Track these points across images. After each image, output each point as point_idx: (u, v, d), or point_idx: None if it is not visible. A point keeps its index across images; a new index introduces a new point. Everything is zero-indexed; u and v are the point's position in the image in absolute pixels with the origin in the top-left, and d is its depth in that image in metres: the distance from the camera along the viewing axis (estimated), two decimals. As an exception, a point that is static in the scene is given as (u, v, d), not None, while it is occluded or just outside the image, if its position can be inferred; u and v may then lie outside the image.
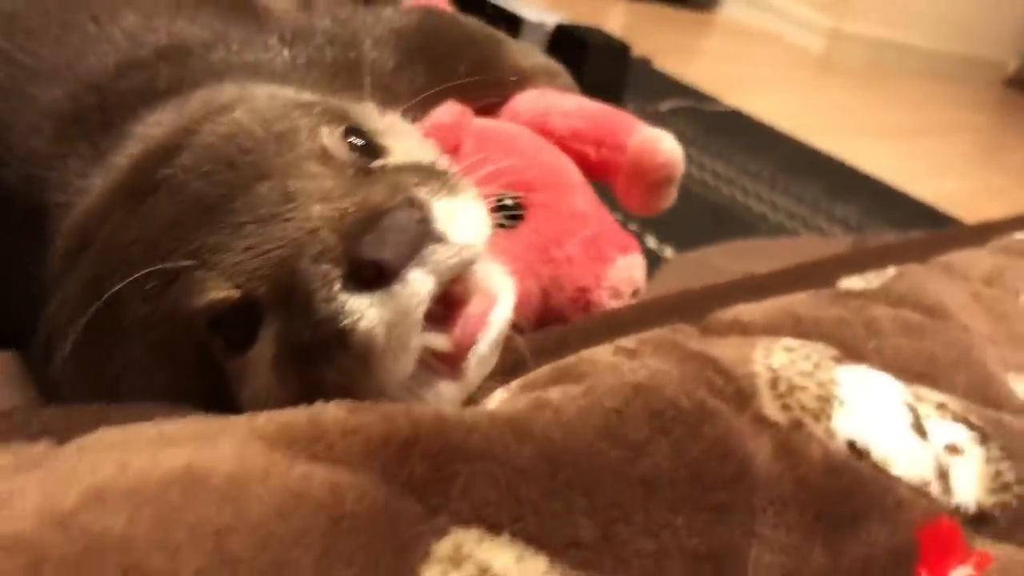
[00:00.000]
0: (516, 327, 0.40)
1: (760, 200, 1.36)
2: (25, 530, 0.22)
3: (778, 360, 0.47)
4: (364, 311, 0.34)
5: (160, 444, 0.28)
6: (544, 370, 0.42)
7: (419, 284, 0.34)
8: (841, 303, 0.60)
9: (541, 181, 0.57)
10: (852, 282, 0.66)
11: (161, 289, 0.35)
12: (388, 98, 0.55)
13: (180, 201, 0.36)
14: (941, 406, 0.51)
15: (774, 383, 0.44)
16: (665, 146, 0.61)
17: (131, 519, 0.24)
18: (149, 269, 0.35)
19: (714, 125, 1.66)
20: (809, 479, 0.39)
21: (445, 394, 0.37)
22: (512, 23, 1.46)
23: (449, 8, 0.84)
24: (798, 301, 0.58)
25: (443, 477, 0.30)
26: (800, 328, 0.54)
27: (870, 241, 1.12)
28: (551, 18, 1.45)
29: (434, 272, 0.35)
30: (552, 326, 0.52)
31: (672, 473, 0.35)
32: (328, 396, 0.33)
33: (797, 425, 0.42)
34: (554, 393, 0.36)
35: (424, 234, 0.35)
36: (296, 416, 0.30)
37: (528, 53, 0.71)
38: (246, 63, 0.52)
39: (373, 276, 0.33)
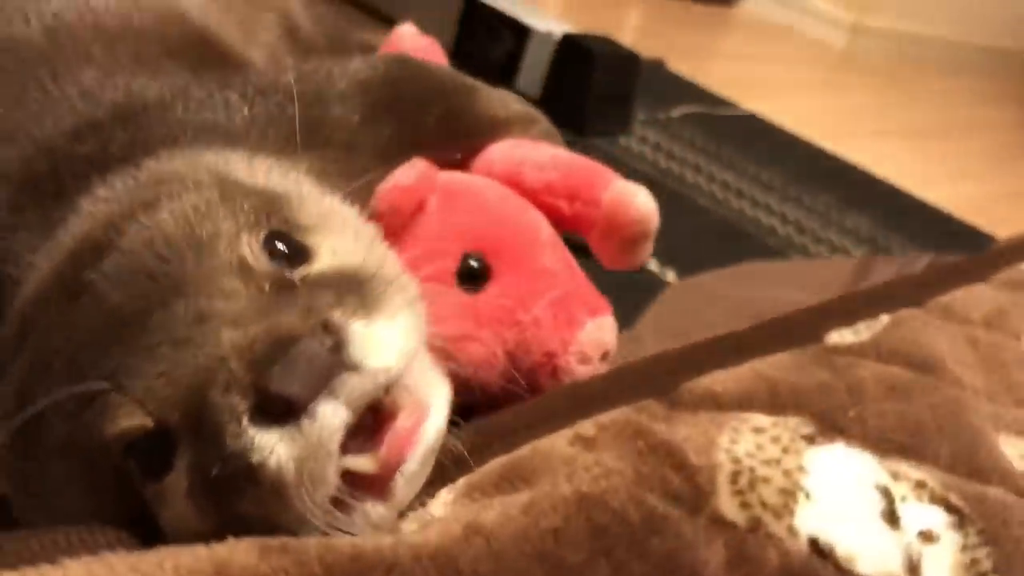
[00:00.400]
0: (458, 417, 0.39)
1: (770, 212, 1.34)
2: None
3: (744, 446, 0.45)
4: (273, 446, 0.33)
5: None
6: (494, 466, 0.41)
7: (330, 417, 0.33)
8: (826, 363, 0.59)
9: (508, 238, 0.56)
10: (841, 336, 0.64)
11: (79, 410, 0.34)
12: (352, 155, 0.54)
13: (100, 312, 0.35)
14: (920, 485, 0.49)
15: (735, 476, 0.43)
16: (639, 201, 0.60)
17: None
18: (68, 390, 0.34)
19: (727, 131, 1.63)
20: (764, 591, 0.38)
21: (373, 516, 0.35)
22: (519, 33, 1.45)
23: (440, 54, 0.83)
24: (777, 365, 0.56)
25: (358, 625, 0.29)
26: (775, 400, 0.52)
27: (877, 263, 1.10)
28: (559, 28, 1.43)
29: (347, 402, 0.34)
30: (518, 402, 0.51)
31: (611, 598, 0.34)
32: (246, 526, 0.32)
33: (755, 525, 0.41)
34: (491, 513, 0.35)
35: (336, 363, 0.34)
36: (200, 564, 0.29)
37: (504, 101, 0.70)
38: (203, 123, 0.51)
39: (282, 410, 0.32)
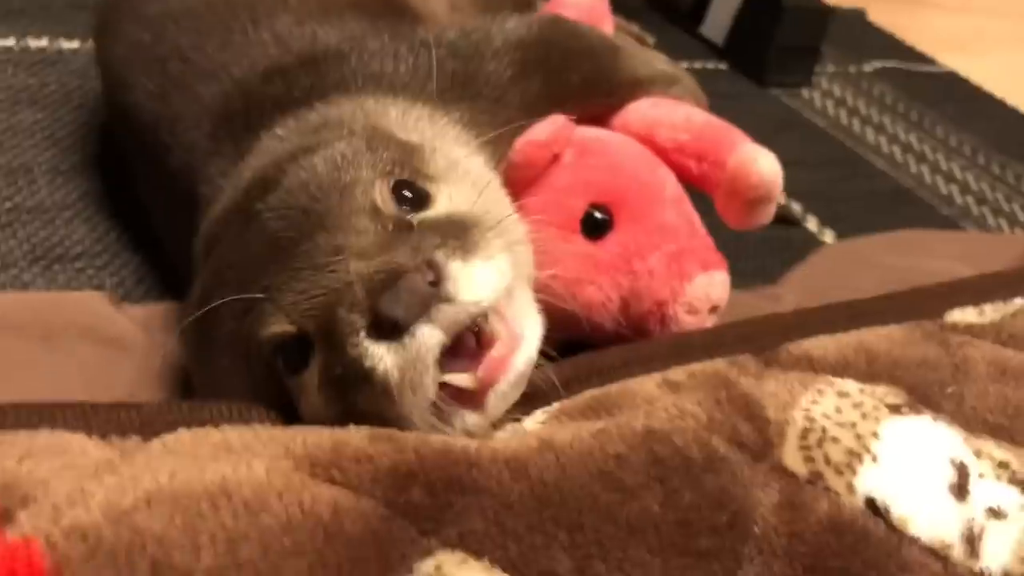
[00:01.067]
0: (548, 355, 0.46)
1: (950, 179, 1.29)
2: (89, 523, 0.31)
3: (824, 407, 0.49)
4: (382, 356, 0.41)
5: (216, 453, 0.36)
6: (585, 396, 0.47)
7: (427, 337, 0.41)
8: (939, 339, 0.60)
9: (633, 194, 0.60)
10: (964, 314, 0.64)
11: (243, 313, 0.43)
12: (500, 107, 0.60)
13: (264, 237, 0.44)
14: (1003, 465, 0.51)
15: (805, 433, 0.47)
16: (761, 166, 0.62)
17: (168, 521, 0.31)
18: (234, 297, 0.43)
19: (921, 90, 1.56)
20: (806, 534, 0.42)
21: (469, 422, 0.43)
22: (706, -20, 1.44)
23: (606, 12, 0.86)
24: (885, 336, 0.58)
25: (438, 505, 0.36)
26: (872, 368, 0.55)
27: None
28: (747, -24, 1.42)
29: (442, 327, 0.41)
30: (625, 343, 0.56)
31: (659, 518, 0.39)
32: (363, 418, 0.40)
33: (815, 478, 0.45)
34: (566, 432, 0.41)
35: (434, 295, 0.41)
36: (323, 440, 0.37)
37: (647, 61, 0.73)
38: (373, 71, 0.58)
39: (389, 329, 0.40)
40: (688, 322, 0.58)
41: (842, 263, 0.98)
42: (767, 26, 1.37)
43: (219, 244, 0.48)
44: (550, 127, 0.59)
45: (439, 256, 0.42)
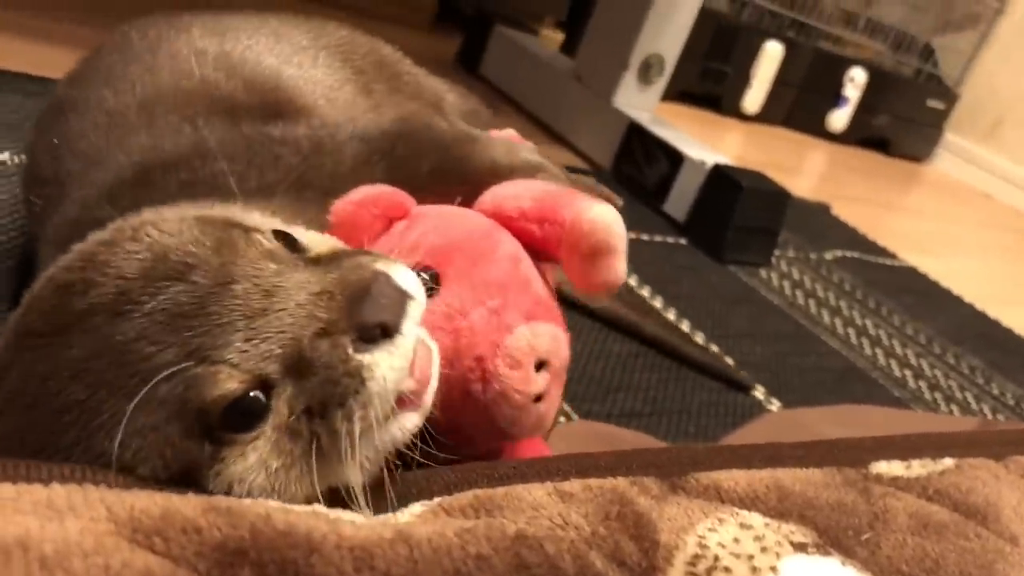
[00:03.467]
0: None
1: (905, 364, 1.29)
2: None
3: (721, 536, 0.46)
4: (380, 361, 0.42)
5: (34, 509, 0.33)
6: (468, 494, 0.44)
7: (414, 331, 0.44)
8: (859, 488, 0.58)
9: (461, 253, 0.57)
10: (889, 467, 0.62)
11: (155, 392, 0.39)
12: (329, 199, 0.59)
13: (135, 319, 0.40)
14: (914, 618, 0.47)
15: (695, 560, 0.43)
16: (594, 213, 0.58)
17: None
18: (157, 374, 0.39)
19: (880, 280, 1.60)
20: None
21: (410, 425, 0.45)
22: (674, 159, 1.50)
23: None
24: (801, 478, 0.56)
25: (266, 588, 0.33)
26: (782, 505, 0.52)
27: (999, 426, 1.04)
28: (712, 158, 1.48)
29: (416, 322, 0.44)
30: (488, 406, 0.53)
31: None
32: (330, 444, 0.41)
33: (701, 606, 0.41)
34: (427, 528, 0.38)
35: (403, 295, 0.43)
36: (153, 506, 0.34)
37: (511, 151, 0.72)
38: (199, 179, 0.58)
39: (378, 334, 0.42)
40: (512, 378, 0.53)
41: (779, 428, 0.96)
42: (726, 207, 1.41)
43: (11, 371, 0.41)
44: (370, 189, 0.58)
45: (381, 265, 0.44)
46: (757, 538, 0.47)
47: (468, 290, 0.54)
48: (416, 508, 0.43)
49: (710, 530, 0.46)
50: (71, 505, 0.34)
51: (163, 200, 0.50)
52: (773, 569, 0.45)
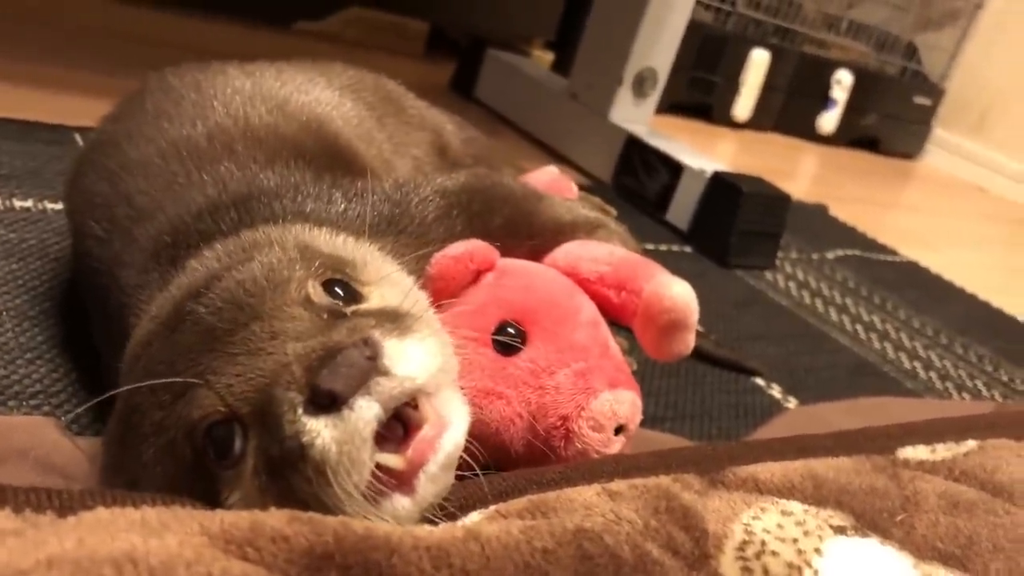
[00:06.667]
0: (473, 453, 0.46)
1: (914, 356, 1.31)
2: (-16, 582, 0.30)
3: (765, 523, 0.48)
4: (320, 431, 0.41)
5: (132, 527, 0.35)
6: (522, 500, 0.46)
7: (365, 409, 0.41)
8: (889, 473, 0.60)
9: (546, 314, 0.61)
10: (915, 451, 0.65)
11: (171, 401, 0.43)
12: (423, 242, 0.63)
13: (196, 330, 0.45)
14: (954, 590, 0.50)
15: (743, 545, 0.46)
16: (672, 291, 0.64)
17: (67, 585, 0.30)
18: (164, 381, 0.43)
19: (883, 276, 1.62)
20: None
21: (399, 509, 0.43)
22: (674, 169, 1.53)
23: (570, 186, 0.92)
24: (833, 466, 0.58)
25: (353, 589, 0.35)
26: (818, 493, 0.54)
27: (1013, 408, 1.06)
28: (711, 166, 1.51)
29: (379, 400, 0.42)
30: (567, 461, 0.56)
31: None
32: (298, 503, 0.40)
33: (753, 588, 0.44)
34: (494, 527, 0.40)
35: (371, 369, 0.42)
36: (241, 520, 0.36)
37: (571, 209, 0.78)
38: (302, 210, 0.61)
39: (327, 402, 0.41)
40: (593, 439, 0.58)
41: (801, 424, 0.99)
42: (728, 212, 1.44)
43: (147, 351, 0.48)
44: (467, 244, 0.62)
45: (375, 334, 0.43)
46: (799, 523, 0.49)
47: (554, 351, 0.59)
48: (475, 516, 0.45)
49: (754, 518, 0.49)
50: (164, 523, 0.36)
51: (260, 222, 0.55)
52: (817, 551, 0.47)
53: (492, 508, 0.45)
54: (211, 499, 0.43)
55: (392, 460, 0.42)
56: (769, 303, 1.36)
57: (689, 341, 0.65)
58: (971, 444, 0.67)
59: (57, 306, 0.81)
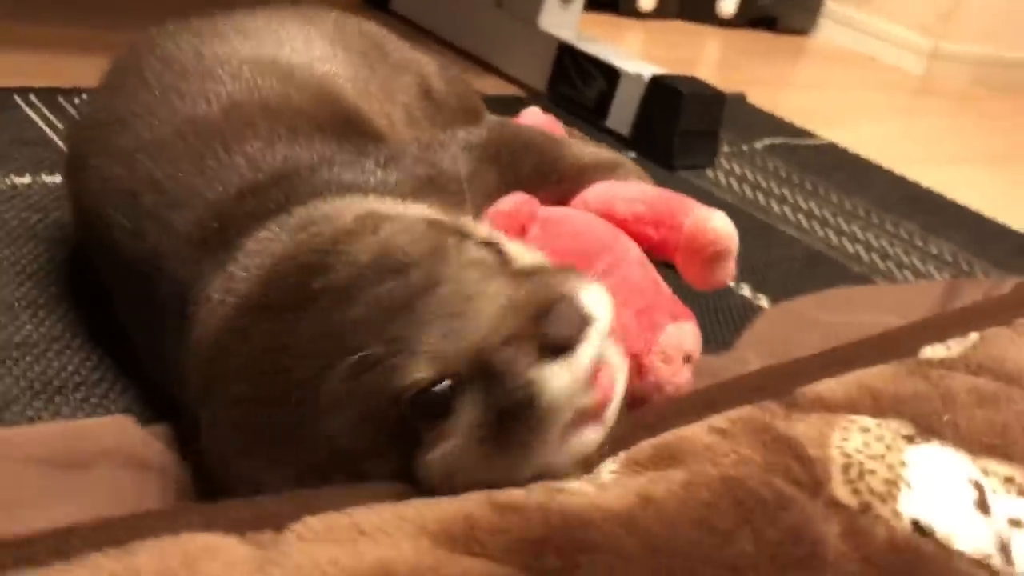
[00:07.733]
0: None
1: (854, 240, 1.40)
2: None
3: (853, 443, 0.53)
4: (556, 375, 0.44)
5: (351, 536, 0.37)
6: (645, 448, 0.50)
7: (589, 351, 0.45)
8: (921, 374, 0.66)
9: (599, 256, 0.64)
10: (934, 351, 0.71)
11: (358, 372, 0.44)
12: (463, 198, 0.65)
13: (358, 305, 0.45)
14: (1008, 480, 0.56)
15: (846, 468, 0.51)
16: (714, 224, 0.67)
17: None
18: (355, 356, 0.44)
19: (808, 161, 1.70)
20: (875, 557, 0.46)
21: (588, 440, 0.47)
22: (610, 75, 1.55)
23: (559, 126, 0.93)
24: (879, 375, 0.64)
25: (569, 566, 0.39)
26: (878, 404, 0.60)
27: (964, 286, 1.16)
28: (647, 70, 1.53)
29: (594, 344, 0.46)
30: (650, 404, 0.60)
31: (754, 557, 0.42)
32: (507, 455, 0.44)
33: (865, 508, 0.49)
34: (659, 487, 0.44)
35: (585, 316, 0.46)
36: (449, 515, 0.39)
37: (588, 149, 0.81)
38: (343, 181, 0.62)
39: (558, 350, 0.45)
40: (664, 371, 0.61)
41: (783, 325, 1.05)
42: (669, 116, 1.47)
43: (250, 339, 0.48)
44: (513, 199, 0.63)
45: (573, 284, 0.47)
46: (878, 438, 0.55)
47: (614, 294, 0.61)
48: (610, 464, 0.49)
49: (844, 440, 0.54)
50: (377, 527, 0.38)
51: (307, 197, 0.56)
52: (902, 463, 0.53)
53: (622, 456, 0.49)
54: (404, 461, 0.45)
55: (588, 398, 0.46)
56: (718, 202, 1.41)
57: (731, 269, 0.68)
58: (974, 337, 0.74)
59: (64, 291, 0.79)
